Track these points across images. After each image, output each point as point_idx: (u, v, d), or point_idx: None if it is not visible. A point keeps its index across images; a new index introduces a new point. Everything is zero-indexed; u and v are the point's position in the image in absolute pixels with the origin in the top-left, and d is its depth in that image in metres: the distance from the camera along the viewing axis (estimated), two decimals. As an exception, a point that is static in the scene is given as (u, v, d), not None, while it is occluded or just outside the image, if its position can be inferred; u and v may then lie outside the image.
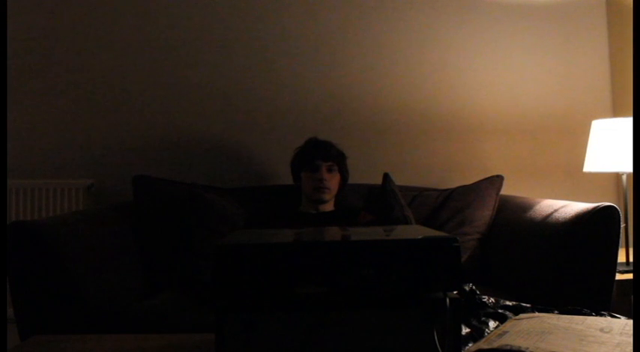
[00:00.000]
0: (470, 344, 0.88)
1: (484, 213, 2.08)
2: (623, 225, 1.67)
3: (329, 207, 2.06)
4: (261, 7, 2.48)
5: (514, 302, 1.07)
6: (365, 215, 2.03)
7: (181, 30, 2.45)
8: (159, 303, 1.72)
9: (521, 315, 0.98)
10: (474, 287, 1.08)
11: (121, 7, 2.44)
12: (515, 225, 1.94)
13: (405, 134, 2.48)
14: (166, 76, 2.44)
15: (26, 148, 2.37)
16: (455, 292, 0.79)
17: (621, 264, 1.89)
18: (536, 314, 0.99)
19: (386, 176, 2.10)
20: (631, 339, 0.83)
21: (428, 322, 0.77)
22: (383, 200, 2.05)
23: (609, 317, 0.98)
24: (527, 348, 0.79)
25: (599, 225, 1.61)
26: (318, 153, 2.06)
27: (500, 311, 1.03)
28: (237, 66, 2.46)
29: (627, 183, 2.14)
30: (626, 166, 2.03)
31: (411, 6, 2.52)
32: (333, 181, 2.05)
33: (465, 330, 0.93)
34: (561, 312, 1.01)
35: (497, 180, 2.19)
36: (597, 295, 1.61)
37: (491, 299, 1.07)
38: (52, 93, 2.41)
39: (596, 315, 1.00)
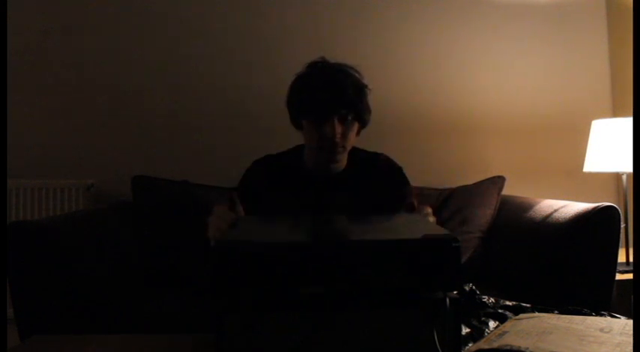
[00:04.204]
0: (470, 344, 0.88)
1: (485, 212, 2.08)
2: (623, 225, 1.67)
3: (341, 164, 1.57)
4: (261, 6, 2.48)
5: (514, 302, 1.07)
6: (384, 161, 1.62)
7: (181, 30, 2.45)
8: (158, 303, 1.72)
9: (521, 315, 0.98)
10: (474, 287, 1.08)
11: (120, 7, 2.44)
12: (516, 225, 1.94)
13: (405, 134, 2.48)
14: (166, 76, 2.44)
15: (26, 148, 2.37)
16: (455, 292, 0.79)
17: (621, 263, 1.90)
18: (536, 314, 0.99)
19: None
20: (631, 339, 0.83)
21: (428, 322, 0.77)
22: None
23: (609, 317, 0.98)
24: (527, 348, 0.79)
25: (599, 225, 1.62)
26: (327, 99, 1.44)
27: (500, 311, 1.03)
28: (237, 65, 2.46)
29: (627, 183, 2.14)
30: (626, 166, 2.03)
31: (411, 6, 2.52)
32: (347, 135, 1.49)
33: (465, 330, 0.93)
34: (561, 312, 1.01)
35: (498, 180, 2.19)
36: (597, 295, 1.61)
37: (491, 299, 1.07)
38: (52, 92, 2.41)
39: (596, 315, 1.00)
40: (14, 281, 1.50)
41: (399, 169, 1.62)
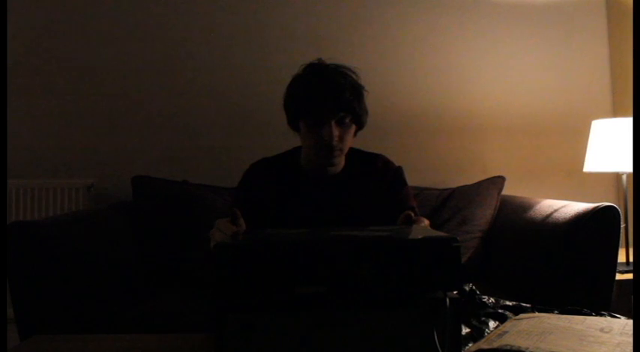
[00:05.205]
0: (470, 344, 0.88)
1: (485, 212, 2.08)
2: (623, 225, 1.67)
3: (338, 165, 1.55)
4: (261, 6, 2.48)
5: (514, 302, 1.07)
6: (383, 164, 1.60)
7: (181, 30, 2.45)
8: (158, 303, 1.72)
9: (521, 315, 0.98)
10: (474, 287, 1.08)
11: (121, 7, 2.44)
12: (515, 225, 1.94)
13: (405, 134, 2.48)
14: (166, 77, 2.44)
15: (26, 148, 2.37)
16: (455, 292, 0.79)
17: (621, 264, 1.90)
18: (536, 314, 0.99)
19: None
20: (631, 339, 0.83)
21: (428, 322, 0.77)
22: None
23: (609, 317, 0.98)
24: (527, 348, 0.79)
25: (599, 225, 1.62)
26: (325, 102, 1.42)
27: (500, 311, 1.03)
28: (237, 65, 2.46)
29: (627, 183, 2.14)
30: (626, 166, 2.03)
31: (412, 6, 2.52)
32: (345, 138, 1.47)
33: (465, 330, 0.93)
34: (561, 312, 1.01)
35: (498, 180, 2.19)
36: (597, 295, 1.61)
37: (491, 299, 1.07)
38: (52, 93, 2.41)
39: (596, 315, 1.00)
40: (14, 281, 1.50)
41: (398, 170, 1.62)
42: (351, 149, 1.57)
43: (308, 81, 1.48)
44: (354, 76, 1.49)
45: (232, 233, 1.15)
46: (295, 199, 1.53)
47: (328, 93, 1.42)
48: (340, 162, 1.54)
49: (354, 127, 1.50)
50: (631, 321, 0.93)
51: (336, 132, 1.44)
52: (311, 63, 1.51)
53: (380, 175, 1.58)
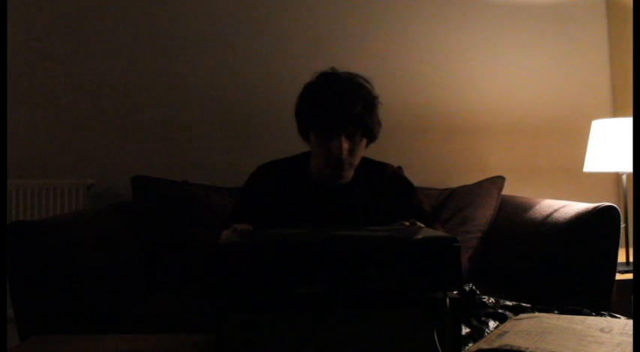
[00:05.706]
0: (470, 344, 0.88)
1: (485, 212, 2.08)
2: (623, 225, 1.68)
3: (347, 177, 1.51)
4: (261, 7, 2.48)
5: (514, 302, 1.07)
6: (392, 172, 1.60)
7: (181, 30, 2.45)
8: (158, 303, 1.72)
9: (521, 315, 0.98)
10: (474, 287, 1.08)
11: (121, 8, 2.44)
12: (515, 225, 1.94)
13: (405, 134, 2.48)
14: (166, 76, 2.44)
15: (26, 148, 2.37)
16: (455, 292, 0.79)
17: (621, 263, 1.90)
18: (536, 314, 0.99)
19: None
20: (631, 339, 0.83)
21: (428, 322, 0.77)
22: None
23: (609, 317, 0.98)
24: (527, 348, 0.79)
25: (599, 225, 1.62)
26: (335, 116, 1.39)
27: (500, 311, 1.03)
28: (236, 66, 2.46)
29: (627, 183, 2.14)
30: (626, 166, 2.03)
31: (411, 6, 2.52)
32: (355, 151, 1.45)
33: (465, 330, 0.93)
34: (561, 312, 1.01)
35: (498, 180, 2.19)
36: (597, 295, 1.61)
37: (491, 299, 1.07)
38: (52, 93, 2.41)
39: (596, 315, 1.00)
40: (14, 281, 1.50)
41: (407, 181, 1.61)
42: (361, 158, 1.53)
43: (319, 92, 1.45)
44: (368, 86, 1.45)
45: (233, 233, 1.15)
46: (303, 207, 1.51)
47: (339, 107, 1.39)
48: (349, 174, 1.50)
49: (365, 140, 1.47)
50: (631, 321, 0.93)
51: (345, 145, 1.41)
52: (324, 72, 1.48)
53: (389, 184, 1.56)
